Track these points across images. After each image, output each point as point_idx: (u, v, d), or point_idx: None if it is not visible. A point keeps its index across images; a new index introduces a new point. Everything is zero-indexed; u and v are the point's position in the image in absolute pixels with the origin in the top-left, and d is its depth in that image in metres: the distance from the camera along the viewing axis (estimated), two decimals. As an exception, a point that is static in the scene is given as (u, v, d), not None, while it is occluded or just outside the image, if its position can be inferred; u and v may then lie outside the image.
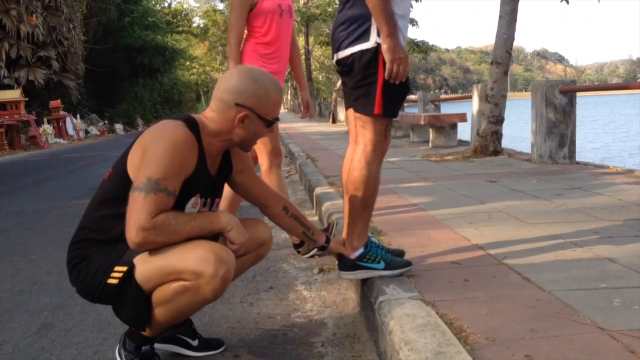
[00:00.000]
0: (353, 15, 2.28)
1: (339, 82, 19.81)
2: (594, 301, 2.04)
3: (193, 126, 1.85)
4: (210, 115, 1.92)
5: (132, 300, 1.81)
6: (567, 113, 6.30)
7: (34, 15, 18.26)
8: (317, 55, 40.19)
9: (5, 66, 17.66)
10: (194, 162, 1.82)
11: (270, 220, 2.31)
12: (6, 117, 15.85)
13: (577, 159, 6.52)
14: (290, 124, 20.28)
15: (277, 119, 1.98)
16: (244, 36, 3.34)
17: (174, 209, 1.77)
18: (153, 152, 1.76)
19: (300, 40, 24.42)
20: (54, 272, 3.32)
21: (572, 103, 6.33)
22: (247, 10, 3.25)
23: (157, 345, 2.06)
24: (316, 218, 4.54)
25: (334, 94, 21.87)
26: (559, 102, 6.28)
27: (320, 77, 47.13)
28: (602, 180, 4.86)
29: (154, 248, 1.76)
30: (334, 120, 20.77)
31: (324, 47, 26.57)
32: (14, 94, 16.53)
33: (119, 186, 1.83)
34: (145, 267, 1.78)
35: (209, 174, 1.94)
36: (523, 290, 2.19)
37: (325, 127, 18.50)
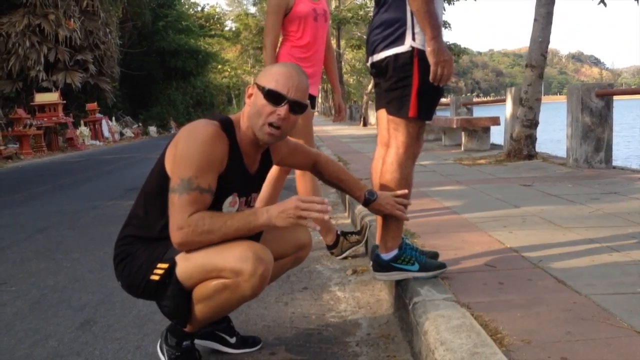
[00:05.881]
0: (388, 19, 2.30)
1: (370, 85, 19.85)
2: (631, 305, 2.03)
3: (227, 125, 1.90)
4: (244, 109, 1.98)
5: (173, 297, 1.87)
6: (603, 117, 6.21)
7: (72, 20, 18.73)
8: (349, 59, 40.28)
9: (44, 69, 18.13)
10: (224, 158, 1.86)
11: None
12: (45, 119, 16.29)
13: (613, 163, 6.42)
14: (321, 127, 20.33)
15: (273, 91, 1.87)
16: (280, 40, 3.39)
17: (212, 208, 1.83)
18: (183, 151, 1.82)
19: (332, 43, 24.48)
20: (95, 270, 3.41)
21: (608, 107, 6.23)
22: (282, 14, 3.29)
23: (196, 341, 2.11)
24: (348, 221, 4.57)
25: (365, 97, 21.95)
26: (596, 105, 6.19)
27: (351, 80, 47.19)
28: (639, 185, 4.80)
29: (196, 248, 1.82)
30: (365, 124, 20.82)
31: (355, 51, 26.67)
32: (52, 97, 17.00)
33: (158, 183, 1.90)
34: (186, 264, 1.84)
35: (247, 173, 1.99)
36: (559, 293, 2.19)
37: (356, 130, 18.53)
